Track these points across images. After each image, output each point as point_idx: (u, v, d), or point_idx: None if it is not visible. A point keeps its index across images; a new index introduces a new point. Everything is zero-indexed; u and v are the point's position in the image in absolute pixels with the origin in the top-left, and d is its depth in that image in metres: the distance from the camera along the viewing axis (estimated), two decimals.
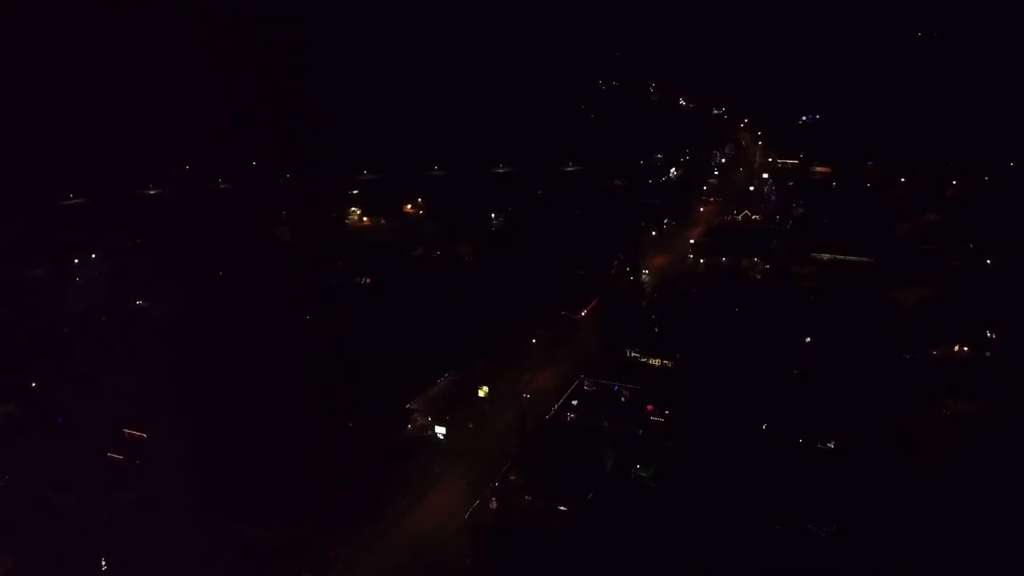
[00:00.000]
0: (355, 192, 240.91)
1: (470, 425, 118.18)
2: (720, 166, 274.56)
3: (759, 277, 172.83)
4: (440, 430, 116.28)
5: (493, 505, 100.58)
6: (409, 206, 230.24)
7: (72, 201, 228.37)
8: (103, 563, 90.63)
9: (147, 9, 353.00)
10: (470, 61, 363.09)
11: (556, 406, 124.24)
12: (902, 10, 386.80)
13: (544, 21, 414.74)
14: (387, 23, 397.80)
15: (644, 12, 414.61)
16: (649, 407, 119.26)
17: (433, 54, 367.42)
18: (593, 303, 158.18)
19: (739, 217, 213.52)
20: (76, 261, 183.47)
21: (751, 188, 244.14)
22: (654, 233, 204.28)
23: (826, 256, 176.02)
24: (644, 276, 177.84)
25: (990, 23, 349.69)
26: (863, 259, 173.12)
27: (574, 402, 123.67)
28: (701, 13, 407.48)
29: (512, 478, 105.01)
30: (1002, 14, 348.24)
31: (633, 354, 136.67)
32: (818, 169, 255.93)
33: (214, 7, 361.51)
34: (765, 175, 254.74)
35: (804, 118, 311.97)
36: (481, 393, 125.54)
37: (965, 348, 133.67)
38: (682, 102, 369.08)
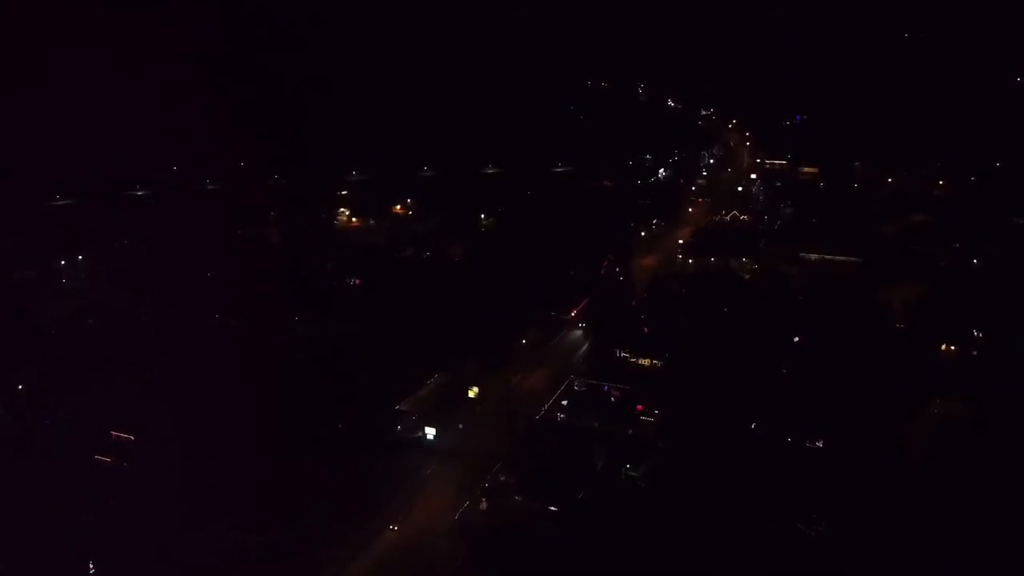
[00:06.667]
0: (344, 193, 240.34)
1: (460, 426, 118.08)
2: (709, 167, 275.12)
3: (748, 277, 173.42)
4: (430, 431, 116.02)
5: (483, 506, 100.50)
6: (398, 207, 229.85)
7: (59, 202, 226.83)
8: (91, 566, 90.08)
9: (133, 9, 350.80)
10: (459, 62, 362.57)
11: (546, 407, 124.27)
12: (889, 11, 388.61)
13: (533, 22, 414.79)
14: (377, 23, 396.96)
15: (633, 13, 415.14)
16: (639, 407, 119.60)
17: (422, 54, 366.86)
18: (583, 304, 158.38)
19: (728, 218, 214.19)
20: (63, 263, 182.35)
21: (740, 189, 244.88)
22: (643, 234, 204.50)
23: (814, 256, 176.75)
24: (633, 276, 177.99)
25: (978, 24, 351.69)
26: (851, 259, 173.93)
27: (564, 402, 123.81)
28: (689, 14, 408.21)
29: (502, 479, 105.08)
30: (990, 15, 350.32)
31: (623, 354, 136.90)
32: (806, 170, 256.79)
33: (201, 7, 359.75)
34: (753, 176, 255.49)
35: (792, 119, 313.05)
36: (471, 394, 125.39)
37: (953, 348, 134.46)
38: (670, 103, 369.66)
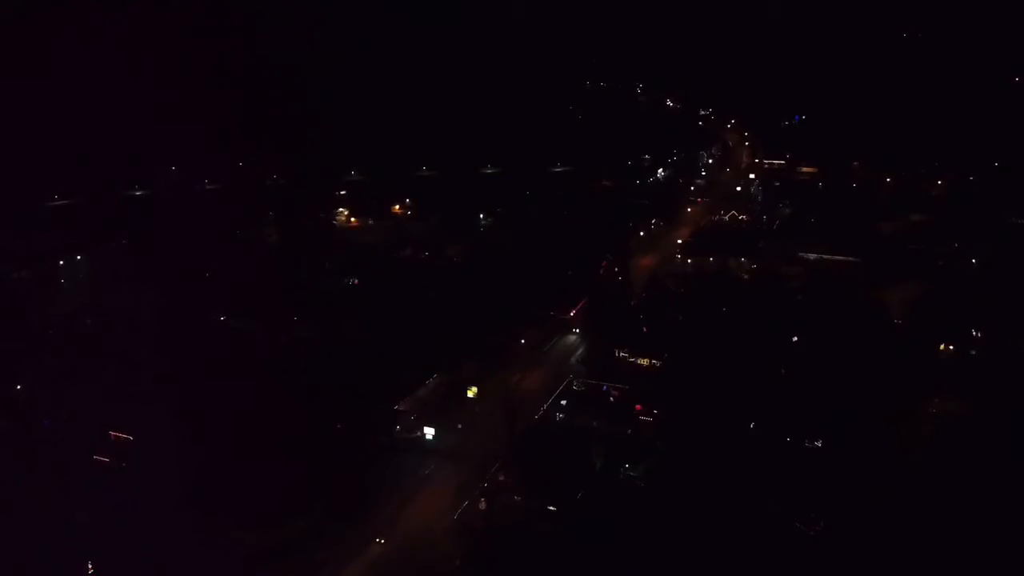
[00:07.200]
0: (343, 193, 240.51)
1: (459, 426, 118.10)
2: (707, 167, 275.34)
3: (746, 277, 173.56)
4: (429, 431, 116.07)
5: (482, 506, 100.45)
6: (397, 207, 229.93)
7: (57, 203, 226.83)
8: (89, 566, 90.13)
9: (132, 9, 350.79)
10: (459, 62, 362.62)
11: (545, 406, 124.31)
12: (888, 11, 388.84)
13: (532, 22, 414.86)
14: (376, 23, 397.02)
15: (632, 14, 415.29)
16: (638, 407, 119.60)
17: (422, 55, 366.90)
18: (582, 304, 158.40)
19: (726, 217, 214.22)
20: (63, 263, 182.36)
21: (738, 189, 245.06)
22: (642, 234, 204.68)
23: (812, 256, 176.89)
24: (632, 276, 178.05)
25: (976, 24, 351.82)
26: (849, 259, 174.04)
27: (563, 402, 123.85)
28: (688, 14, 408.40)
29: (501, 479, 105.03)
30: (988, 15, 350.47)
31: (622, 354, 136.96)
32: (804, 169, 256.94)
33: (200, 7, 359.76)
34: (752, 176, 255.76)
35: (791, 119, 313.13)
36: (470, 394, 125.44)
37: (951, 347, 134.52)
38: (669, 103, 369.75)
